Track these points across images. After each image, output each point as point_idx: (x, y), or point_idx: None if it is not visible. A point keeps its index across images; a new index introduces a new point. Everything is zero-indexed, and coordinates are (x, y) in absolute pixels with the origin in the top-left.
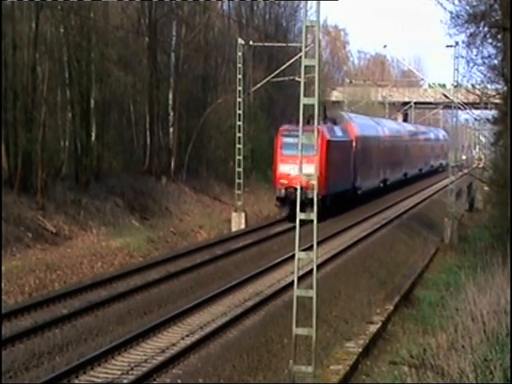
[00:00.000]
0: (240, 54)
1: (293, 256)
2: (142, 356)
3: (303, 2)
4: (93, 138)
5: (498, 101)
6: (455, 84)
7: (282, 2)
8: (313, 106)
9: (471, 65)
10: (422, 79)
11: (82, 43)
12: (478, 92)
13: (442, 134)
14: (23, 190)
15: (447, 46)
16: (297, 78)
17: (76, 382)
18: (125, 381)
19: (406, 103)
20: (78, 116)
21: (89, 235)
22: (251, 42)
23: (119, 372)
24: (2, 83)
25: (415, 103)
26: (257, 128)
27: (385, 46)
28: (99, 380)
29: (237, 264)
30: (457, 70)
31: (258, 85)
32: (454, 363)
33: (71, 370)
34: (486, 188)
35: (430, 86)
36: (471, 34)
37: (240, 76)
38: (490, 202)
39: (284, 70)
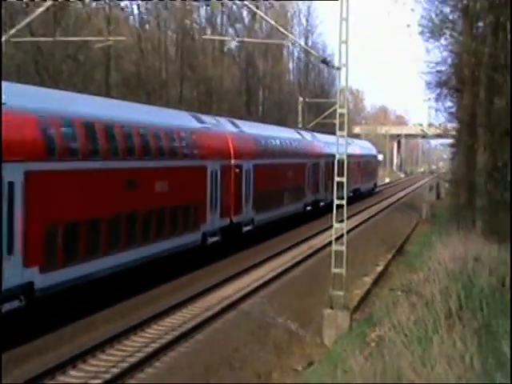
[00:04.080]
0: (300, 106)
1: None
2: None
3: (338, 74)
4: None
5: (453, 133)
6: (429, 123)
7: (326, 75)
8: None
9: (438, 112)
10: (407, 121)
11: (207, 101)
12: (442, 128)
13: (359, 147)
14: None
15: (424, 100)
16: (333, 121)
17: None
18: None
19: (398, 135)
20: None
21: None
22: (307, 99)
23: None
24: None
25: (405, 135)
26: None
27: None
28: None
29: None
30: (430, 114)
31: (310, 125)
32: (427, 289)
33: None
34: (446, 185)
35: (413, 124)
36: (438, 93)
37: (300, 119)
38: (449, 193)
39: (326, 116)
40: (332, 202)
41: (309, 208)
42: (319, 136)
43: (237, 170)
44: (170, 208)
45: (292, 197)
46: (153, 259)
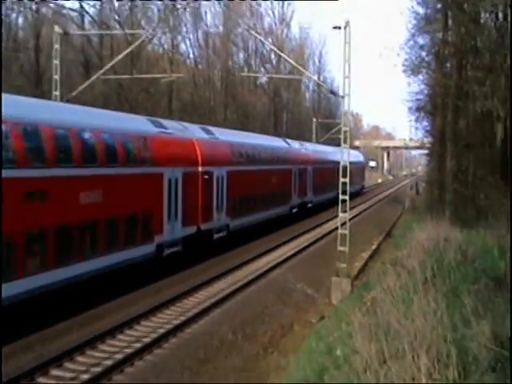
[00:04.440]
0: (314, 125)
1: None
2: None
3: (343, 101)
4: None
5: (428, 145)
6: (410, 138)
7: (333, 101)
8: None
9: (417, 129)
10: (394, 136)
11: (244, 122)
12: (420, 141)
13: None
14: None
15: (407, 121)
16: (339, 136)
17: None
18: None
19: (388, 147)
20: None
21: None
22: (319, 120)
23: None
24: None
25: (392, 147)
26: None
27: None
28: None
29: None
30: (411, 131)
31: (322, 139)
32: (409, 262)
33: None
34: (423, 184)
35: (399, 139)
36: (417, 116)
37: (314, 136)
38: (425, 190)
39: (334, 132)
40: (319, 203)
41: (295, 210)
42: (307, 145)
43: (205, 177)
44: (105, 221)
45: (276, 200)
46: (82, 279)
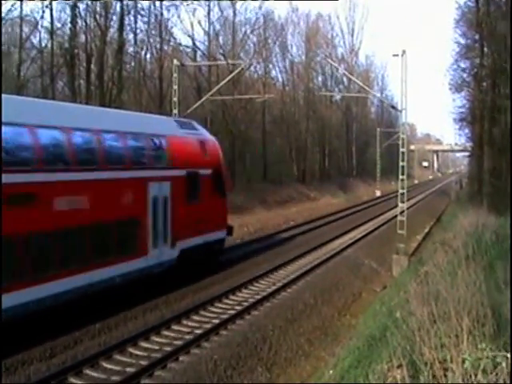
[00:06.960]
0: (378, 133)
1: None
2: None
3: (401, 114)
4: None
5: (470, 149)
6: (455, 143)
7: (393, 114)
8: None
9: (461, 136)
10: (442, 142)
11: (322, 130)
12: (463, 146)
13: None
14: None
15: (453, 129)
16: (398, 142)
17: None
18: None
19: (437, 150)
20: None
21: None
22: (382, 129)
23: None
24: None
25: (441, 150)
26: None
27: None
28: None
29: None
30: (456, 138)
31: (383, 145)
32: (455, 242)
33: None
34: (466, 180)
35: (446, 144)
36: (460, 125)
37: (378, 142)
38: (467, 185)
39: (394, 139)
40: None
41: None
42: None
43: None
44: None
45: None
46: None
